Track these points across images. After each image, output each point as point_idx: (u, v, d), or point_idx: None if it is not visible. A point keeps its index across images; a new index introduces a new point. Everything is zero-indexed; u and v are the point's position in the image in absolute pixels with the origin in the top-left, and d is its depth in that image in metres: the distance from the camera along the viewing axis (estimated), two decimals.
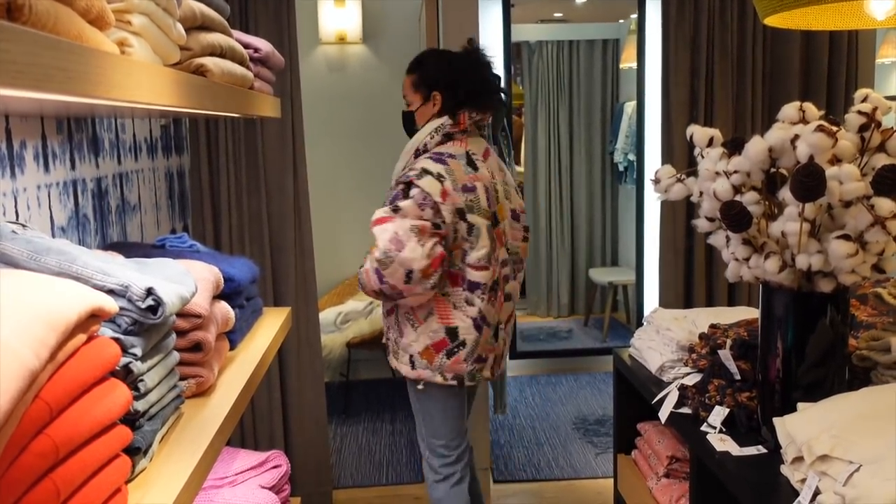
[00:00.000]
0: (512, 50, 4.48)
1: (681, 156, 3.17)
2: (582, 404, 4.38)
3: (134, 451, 0.95)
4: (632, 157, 5.05)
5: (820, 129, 1.25)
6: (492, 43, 4.28)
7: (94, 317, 0.87)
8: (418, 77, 2.32)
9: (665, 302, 3.27)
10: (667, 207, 3.23)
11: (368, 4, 4.53)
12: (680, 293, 3.27)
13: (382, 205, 2.22)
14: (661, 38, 3.20)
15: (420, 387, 2.33)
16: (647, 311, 4.58)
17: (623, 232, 5.60)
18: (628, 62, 5.11)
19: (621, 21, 5.35)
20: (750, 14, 3.11)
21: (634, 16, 4.74)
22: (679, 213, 3.23)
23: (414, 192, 2.15)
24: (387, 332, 2.45)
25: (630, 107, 5.06)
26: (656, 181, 1.62)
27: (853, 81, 3.17)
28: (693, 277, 3.27)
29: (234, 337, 1.55)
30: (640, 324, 4.69)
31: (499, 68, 4.38)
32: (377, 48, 4.58)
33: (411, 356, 2.32)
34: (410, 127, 2.37)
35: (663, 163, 3.25)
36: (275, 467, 1.96)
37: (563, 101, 5.53)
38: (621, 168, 5.33)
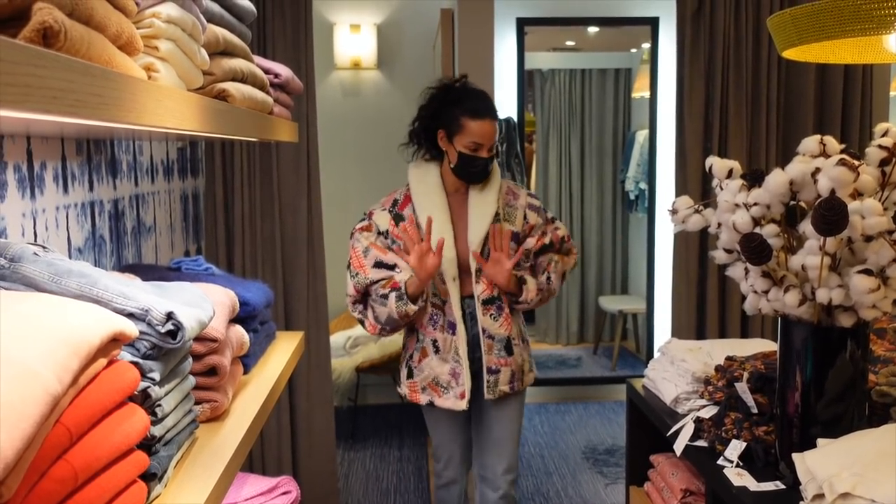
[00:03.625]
0: (524, 77, 4.50)
1: (694, 186, 3.16)
2: (591, 433, 4.34)
3: (150, 477, 0.94)
4: (643, 185, 5.05)
5: (842, 162, 1.24)
6: (506, 70, 4.31)
7: (115, 341, 0.86)
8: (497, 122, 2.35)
9: (677, 332, 3.25)
10: (680, 237, 3.22)
11: (383, 31, 4.57)
12: (692, 323, 3.25)
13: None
14: (676, 69, 3.22)
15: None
16: (657, 340, 4.56)
17: (633, 260, 5.58)
18: (640, 91, 5.13)
19: (633, 50, 5.38)
20: (765, 45, 3.12)
21: (646, 45, 4.76)
22: (692, 244, 3.22)
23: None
24: (522, 361, 2.43)
25: (642, 135, 5.07)
26: (674, 212, 1.62)
27: (868, 114, 3.17)
28: (705, 308, 3.25)
29: (247, 361, 1.54)
30: (650, 353, 4.68)
31: (512, 95, 4.42)
32: (391, 74, 4.62)
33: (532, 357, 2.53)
34: (490, 171, 2.36)
35: (677, 193, 3.25)
36: (284, 493, 1.94)
37: (574, 129, 5.55)
38: (632, 196, 5.33)
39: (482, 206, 2.34)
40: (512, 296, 2.35)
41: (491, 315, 2.35)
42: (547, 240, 2.42)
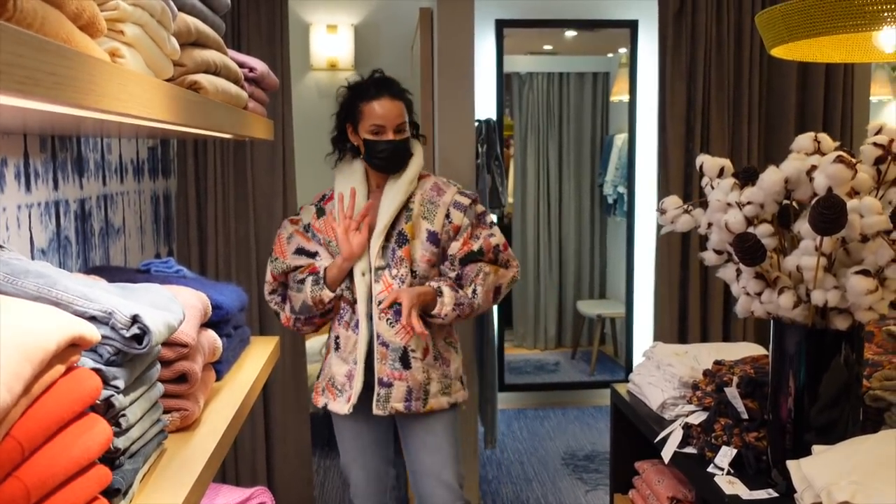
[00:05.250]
0: (503, 80, 4.46)
1: (676, 188, 3.14)
2: (570, 439, 4.29)
3: (113, 493, 0.88)
4: (621, 189, 5.03)
5: (839, 159, 1.21)
6: (484, 72, 4.27)
7: (74, 346, 0.80)
8: (408, 104, 2.22)
9: (659, 336, 3.22)
10: (662, 240, 3.19)
11: (361, 31, 4.51)
12: (674, 327, 3.22)
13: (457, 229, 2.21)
14: (658, 71, 3.19)
15: (464, 408, 2.33)
16: (636, 344, 4.53)
17: (611, 264, 5.56)
18: (619, 95, 5.12)
19: (610, 55, 5.37)
20: (746, 47, 3.11)
21: (623, 49, 4.75)
22: (674, 247, 3.19)
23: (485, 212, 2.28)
24: (425, 379, 2.20)
25: (620, 139, 5.05)
26: (662, 212, 1.57)
27: (849, 116, 3.16)
28: (687, 311, 3.22)
29: (220, 367, 1.48)
30: (629, 357, 4.65)
31: (491, 98, 4.38)
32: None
33: (461, 378, 2.31)
34: (407, 157, 2.21)
35: (659, 196, 3.22)
36: None
37: (552, 133, 5.52)
38: (610, 200, 5.31)
39: (390, 198, 2.18)
40: (427, 315, 2.14)
41: (388, 320, 2.16)
42: (475, 246, 2.18)
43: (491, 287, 2.19)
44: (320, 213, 2.29)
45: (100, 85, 0.71)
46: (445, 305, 2.11)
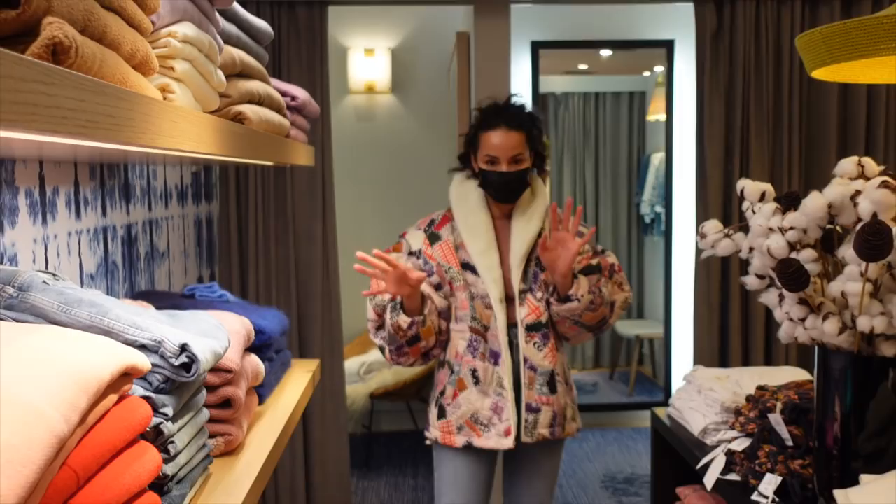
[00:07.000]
0: (539, 101, 4.48)
1: (715, 208, 3.11)
2: (610, 461, 4.25)
3: None
4: (658, 208, 5.00)
5: (884, 184, 1.19)
6: (521, 93, 4.28)
7: (127, 375, 0.82)
8: (530, 134, 2.16)
9: (699, 358, 3.18)
10: (701, 263, 3.16)
11: (398, 55, 4.56)
12: (715, 350, 3.18)
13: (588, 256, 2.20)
14: (696, 91, 3.17)
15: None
16: (675, 365, 4.48)
17: (649, 284, 5.51)
18: (655, 114, 5.10)
19: (646, 74, 5.36)
20: (786, 66, 3.08)
21: (659, 68, 4.73)
22: (713, 269, 3.16)
23: None
24: (565, 404, 2.23)
25: (657, 158, 5.02)
26: (703, 236, 1.56)
27: (892, 135, 3.11)
28: (728, 334, 3.18)
29: (262, 391, 1.50)
30: (667, 378, 4.60)
31: None
32: (406, 98, 4.60)
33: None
34: (521, 188, 2.17)
35: (698, 216, 3.19)
36: None
37: (588, 153, 5.51)
38: (647, 220, 5.28)
39: (523, 225, 2.17)
40: (561, 300, 2.11)
41: (535, 344, 2.15)
42: (594, 261, 2.20)
43: (608, 296, 2.19)
44: (433, 238, 2.21)
45: (154, 124, 0.74)
46: (580, 287, 2.11)
